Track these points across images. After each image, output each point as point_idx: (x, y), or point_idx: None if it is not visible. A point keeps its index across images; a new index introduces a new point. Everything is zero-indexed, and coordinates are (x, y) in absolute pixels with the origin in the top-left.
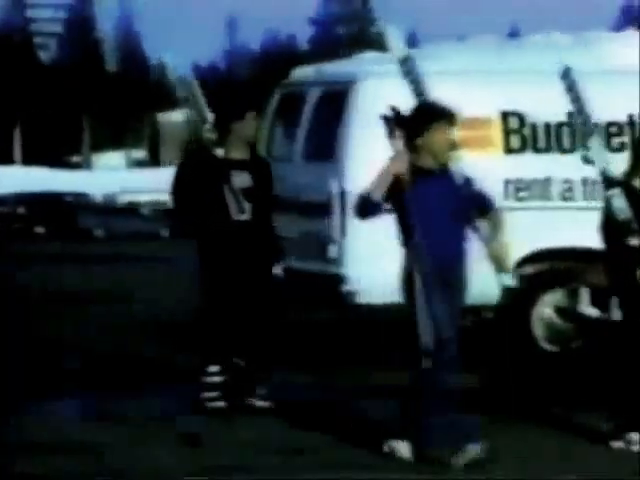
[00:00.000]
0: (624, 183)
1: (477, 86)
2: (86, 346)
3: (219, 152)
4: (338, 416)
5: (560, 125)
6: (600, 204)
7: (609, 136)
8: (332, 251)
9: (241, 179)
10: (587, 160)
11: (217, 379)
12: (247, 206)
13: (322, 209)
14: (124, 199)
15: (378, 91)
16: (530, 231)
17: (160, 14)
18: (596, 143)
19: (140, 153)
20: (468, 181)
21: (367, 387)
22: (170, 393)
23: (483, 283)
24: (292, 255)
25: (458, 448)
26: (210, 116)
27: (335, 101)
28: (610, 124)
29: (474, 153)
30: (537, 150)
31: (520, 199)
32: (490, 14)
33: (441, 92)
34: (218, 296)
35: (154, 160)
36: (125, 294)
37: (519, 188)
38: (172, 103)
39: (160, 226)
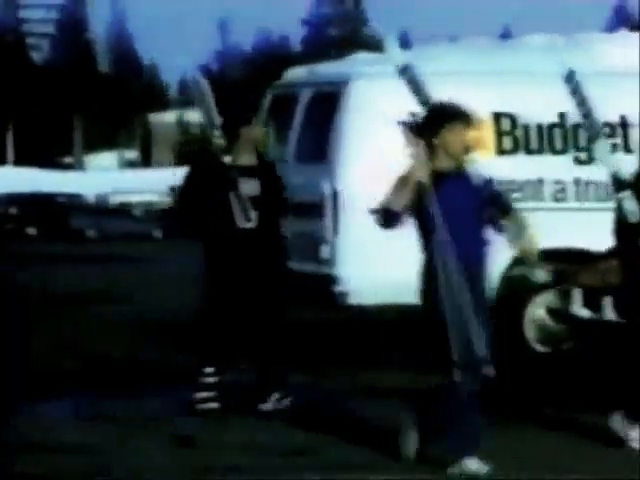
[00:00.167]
0: (634, 185)
1: (469, 87)
2: (79, 347)
3: (227, 159)
4: (333, 416)
5: (552, 126)
6: (592, 205)
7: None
8: (324, 252)
9: (250, 186)
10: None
11: (211, 380)
12: (254, 214)
13: (315, 210)
14: (116, 200)
15: (370, 92)
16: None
17: (152, 15)
18: (604, 145)
19: (132, 154)
20: (488, 181)
21: (361, 387)
22: (164, 394)
23: None
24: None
25: (457, 458)
26: (219, 121)
27: (327, 102)
28: (602, 125)
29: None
30: (529, 151)
31: (512, 200)
32: (482, 15)
33: (433, 93)
34: (218, 301)
35: (146, 161)
36: (117, 295)
37: (511, 189)
38: (164, 104)
39: (152, 227)
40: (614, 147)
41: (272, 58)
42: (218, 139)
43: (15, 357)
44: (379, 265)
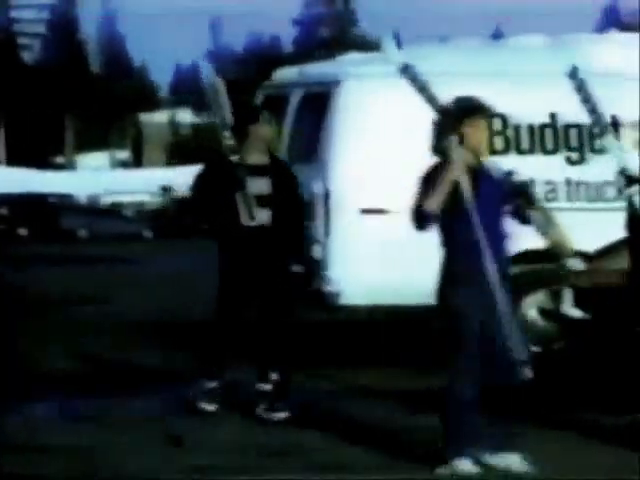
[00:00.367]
0: None
1: (459, 88)
2: (68, 347)
3: (235, 157)
4: (325, 417)
5: (543, 127)
6: (583, 205)
7: (592, 137)
8: (316, 252)
9: (259, 185)
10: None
11: (213, 380)
12: (264, 213)
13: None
14: (108, 200)
15: (361, 92)
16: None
17: (144, 15)
18: (611, 142)
19: (124, 154)
20: (509, 173)
21: (352, 388)
22: (156, 394)
23: None
24: None
25: (449, 459)
26: (231, 120)
27: (318, 102)
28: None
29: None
30: (520, 152)
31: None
32: (473, 16)
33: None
34: (224, 300)
35: (137, 161)
36: (108, 295)
37: None
38: (155, 104)
39: (143, 227)
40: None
41: (263, 58)
42: (228, 139)
43: (3, 357)
44: (370, 266)
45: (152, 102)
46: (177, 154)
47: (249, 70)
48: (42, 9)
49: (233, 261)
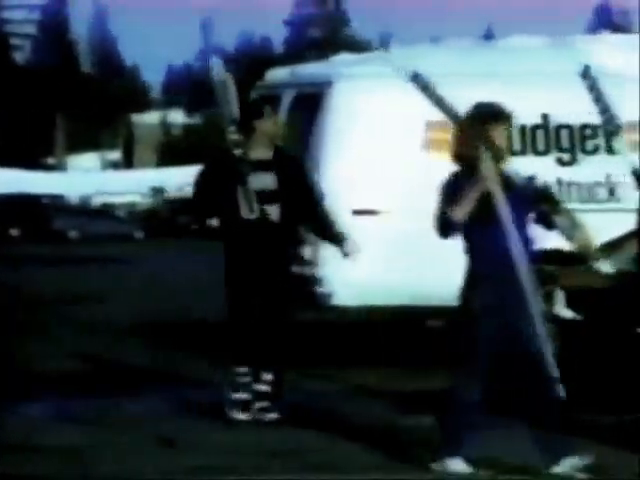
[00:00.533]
0: None
1: (451, 89)
2: (60, 347)
3: (238, 152)
4: (317, 417)
5: (535, 128)
6: (574, 206)
7: (583, 138)
8: (307, 252)
9: (265, 181)
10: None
11: (245, 379)
12: (272, 209)
13: None
14: (99, 201)
15: (353, 93)
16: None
17: (135, 15)
18: (623, 142)
19: (115, 154)
20: (531, 178)
21: (344, 388)
22: (150, 394)
23: (458, 284)
24: None
25: (444, 456)
26: (237, 116)
27: (310, 103)
28: (584, 126)
29: (448, 156)
30: (512, 153)
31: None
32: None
33: (415, 94)
34: (230, 297)
35: (128, 162)
36: (100, 295)
37: None
38: (146, 104)
39: (134, 228)
40: (596, 148)
41: (254, 58)
42: (233, 134)
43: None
44: (362, 266)
45: (143, 102)
46: (168, 155)
47: (240, 70)
48: (33, 10)
49: (235, 256)
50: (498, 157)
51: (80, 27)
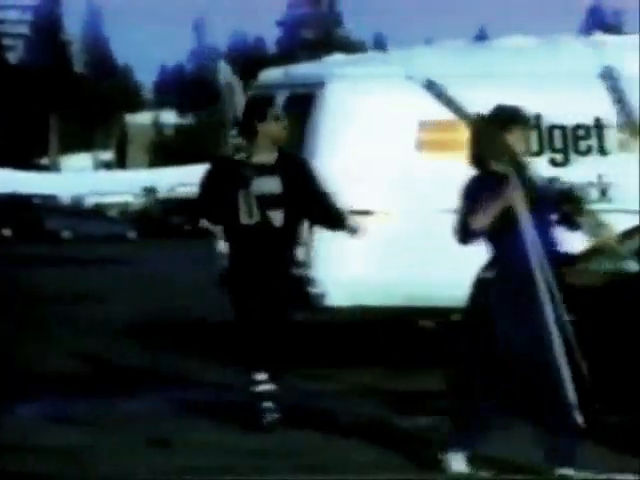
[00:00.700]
0: None
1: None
2: (55, 347)
3: (241, 156)
4: (311, 417)
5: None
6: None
7: (576, 139)
8: (300, 253)
9: (269, 185)
10: None
11: (266, 388)
12: (276, 213)
13: None
14: (92, 201)
15: (346, 93)
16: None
17: (127, 15)
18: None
19: (107, 155)
20: (553, 179)
21: (338, 388)
22: (147, 394)
23: (451, 285)
24: None
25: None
26: (239, 119)
27: (303, 103)
28: (577, 127)
29: (442, 156)
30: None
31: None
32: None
33: (408, 95)
34: (234, 304)
35: (121, 162)
36: (94, 295)
37: None
38: (139, 104)
39: (127, 228)
40: (589, 149)
41: (247, 59)
42: (234, 137)
43: None
44: (355, 267)
45: (136, 103)
46: (161, 155)
47: (233, 70)
48: (26, 10)
49: (236, 262)
50: (518, 160)
51: (73, 27)
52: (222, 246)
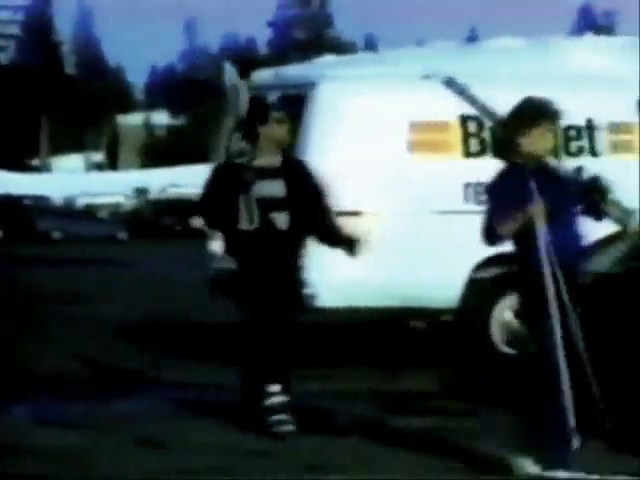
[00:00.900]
0: None
1: (436, 90)
2: (44, 348)
3: (243, 160)
4: (307, 417)
5: None
6: None
7: (567, 140)
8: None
9: (272, 188)
10: None
11: (280, 399)
12: (281, 217)
13: None
14: (83, 202)
15: (337, 95)
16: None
17: (119, 16)
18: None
19: (99, 156)
20: (579, 169)
21: (331, 389)
22: (135, 395)
23: (442, 285)
24: None
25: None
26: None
27: (294, 104)
28: (568, 128)
29: (434, 157)
30: (500, 156)
31: (479, 202)
32: (449, 19)
33: (401, 96)
34: (235, 308)
35: (112, 163)
36: (85, 296)
37: (478, 191)
38: (130, 106)
39: (118, 229)
40: (580, 150)
41: (239, 60)
42: (237, 141)
43: None
44: (346, 268)
45: (127, 104)
46: (152, 156)
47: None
48: (17, 10)
49: (240, 266)
50: (543, 154)
51: (64, 28)
52: (214, 247)
